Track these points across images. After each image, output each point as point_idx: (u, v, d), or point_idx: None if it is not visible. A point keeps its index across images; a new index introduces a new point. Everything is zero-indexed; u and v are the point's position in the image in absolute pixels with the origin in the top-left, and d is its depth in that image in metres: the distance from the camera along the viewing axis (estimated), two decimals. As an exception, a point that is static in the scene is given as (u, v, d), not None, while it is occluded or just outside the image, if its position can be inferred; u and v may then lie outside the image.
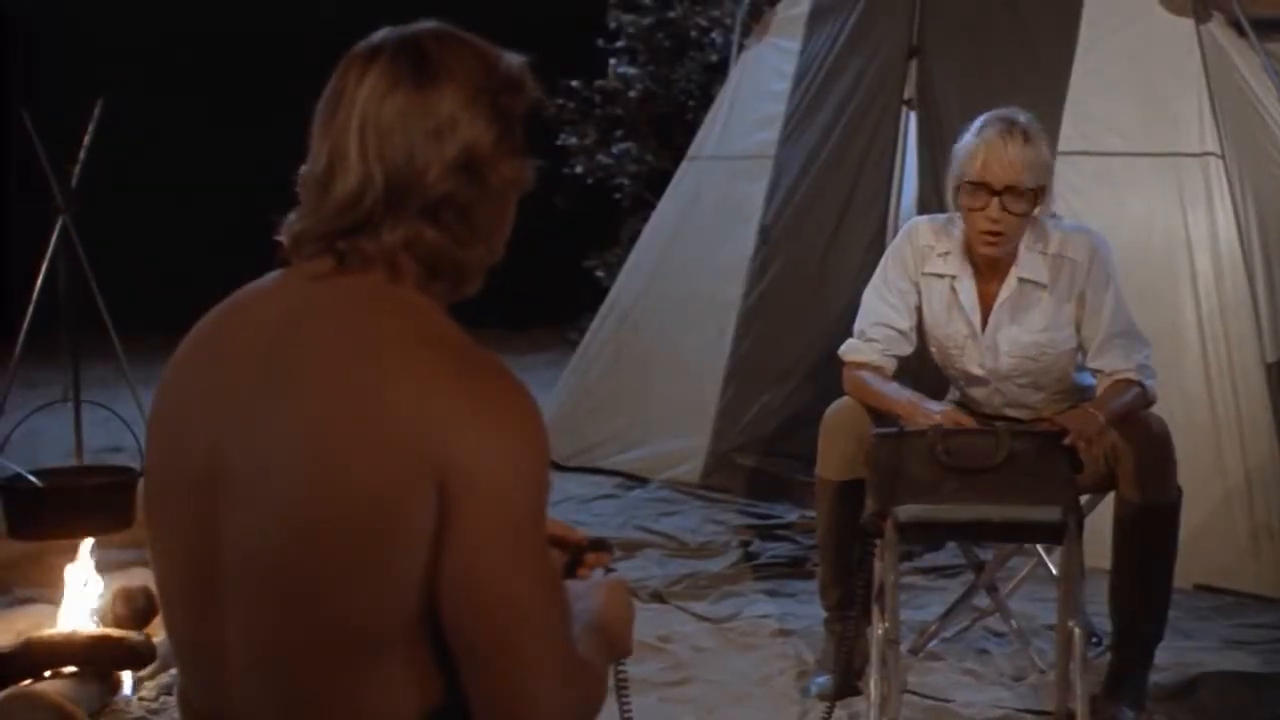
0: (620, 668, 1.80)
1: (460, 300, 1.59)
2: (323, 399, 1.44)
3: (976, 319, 3.31)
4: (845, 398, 3.36)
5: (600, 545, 1.83)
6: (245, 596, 1.47)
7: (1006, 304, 3.29)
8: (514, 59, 1.57)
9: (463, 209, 1.52)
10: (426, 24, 1.56)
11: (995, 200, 3.16)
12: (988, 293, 3.31)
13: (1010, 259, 3.27)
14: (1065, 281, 3.26)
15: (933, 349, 3.42)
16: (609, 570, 1.83)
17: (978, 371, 3.35)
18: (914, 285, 3.36)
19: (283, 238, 1.54)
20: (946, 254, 3.33)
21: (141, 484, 1.65)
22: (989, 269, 3.30)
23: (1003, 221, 3.17)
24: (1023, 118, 3.20)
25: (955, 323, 3.34)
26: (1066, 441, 2.99)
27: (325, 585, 1.42)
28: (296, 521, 1.42)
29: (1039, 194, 3.18)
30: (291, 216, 1.55)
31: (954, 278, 3.32)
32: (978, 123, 3.22)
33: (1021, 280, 3.27)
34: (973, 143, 3.19)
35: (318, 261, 1.52)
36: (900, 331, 3.36)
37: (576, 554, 1.80)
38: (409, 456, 1.40)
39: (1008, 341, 3.30)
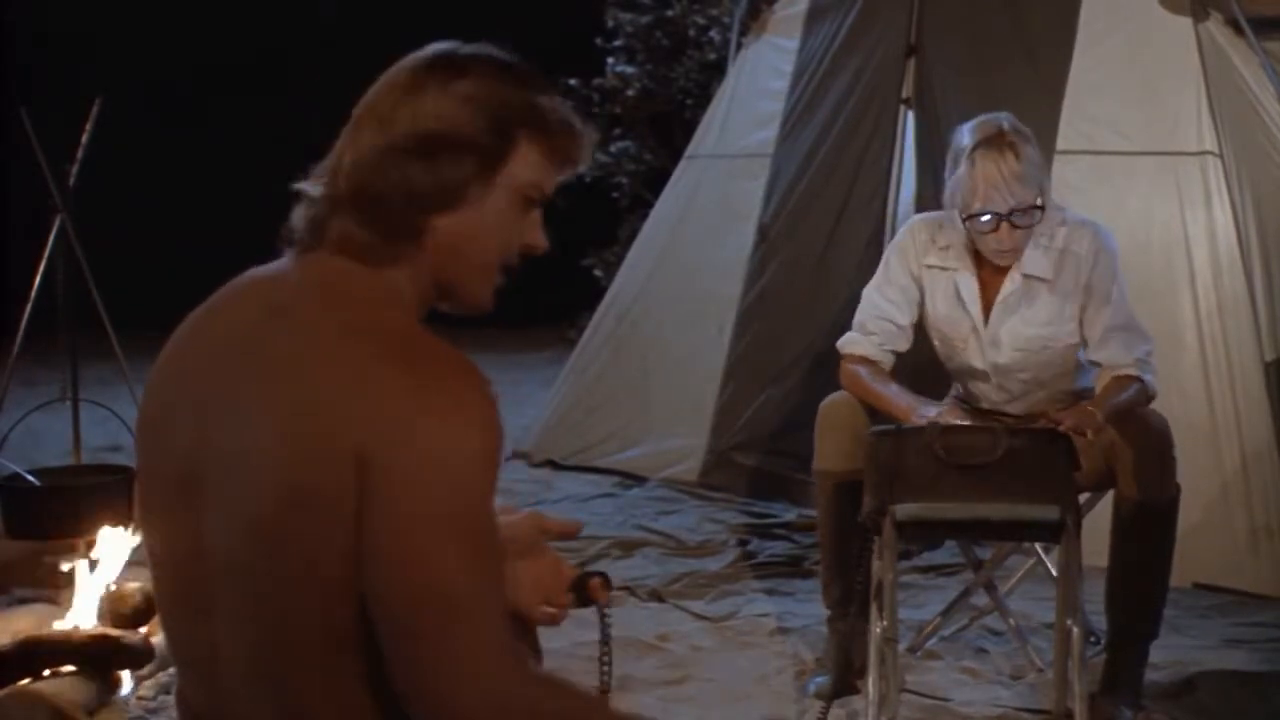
0: (606, 613, 1.79)
1: (463, 309, 1.59)
2: (271, 400, 1.45)
3: (977, 311, 3.32)
4: (840, 392, 3.36)
5: (586, 586, 1.79)
6: (227, 598, 1.48)
7: (1010, 299, 3.29)
8: (564, 107, 1.58)
9: (413, 204, 1.51)
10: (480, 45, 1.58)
11: (1004, 224, 3.16)
12: (990, 286, 3.31)
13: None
14: (1069, 275, 3.26)
15: (936, 342, 3.42)
16: (604, 611, 1.80)
17: (980, 365, 3.36)
18: (915, 281, 3.37)
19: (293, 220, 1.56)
20: (947, 248, 3.33)
21: (137, 486, 1.66)
22: (992, 263, 3.30)
23: (1015, 237, 3.19)
24: (1006, 125, 3.17)
25: (958, 316, 3.34)
26: (1063, 429, 2.98)
27: (285, 584, 1.43)
28: (254, 522, 1.43)
29: (1041, 196, 3.19)
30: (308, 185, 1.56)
31: (955, 271, 3.33)
32: (965, 141, 3.19)
33: (1026, 276, 3.28)
34: (967, 174, 3.17)
35: (290, 253, 1.55)
36: (899, 327, 3.36)
37: (577, 586, 1.78)
38: (334, 447, 1.39)
39: (1009, 334, 3.30)
